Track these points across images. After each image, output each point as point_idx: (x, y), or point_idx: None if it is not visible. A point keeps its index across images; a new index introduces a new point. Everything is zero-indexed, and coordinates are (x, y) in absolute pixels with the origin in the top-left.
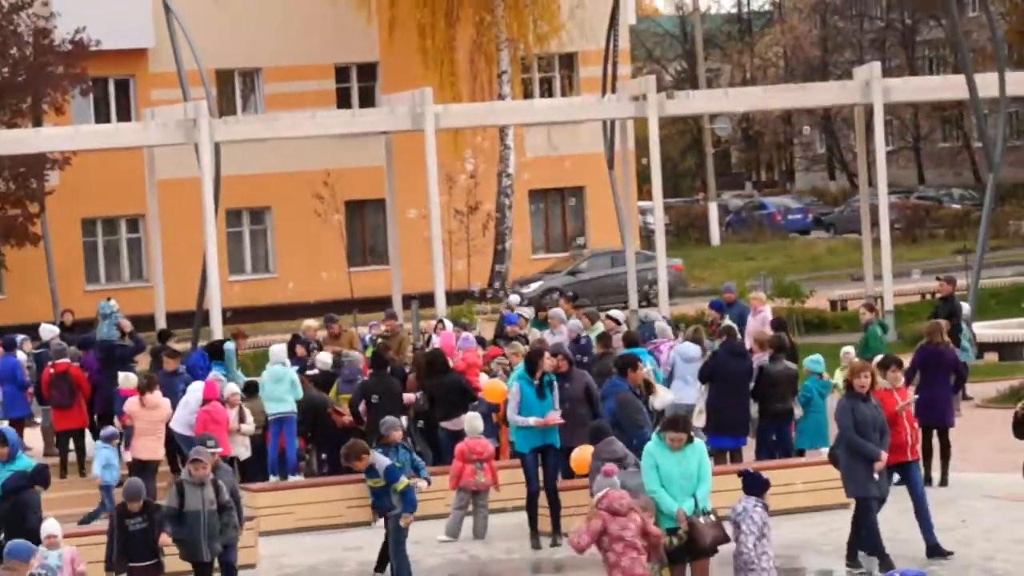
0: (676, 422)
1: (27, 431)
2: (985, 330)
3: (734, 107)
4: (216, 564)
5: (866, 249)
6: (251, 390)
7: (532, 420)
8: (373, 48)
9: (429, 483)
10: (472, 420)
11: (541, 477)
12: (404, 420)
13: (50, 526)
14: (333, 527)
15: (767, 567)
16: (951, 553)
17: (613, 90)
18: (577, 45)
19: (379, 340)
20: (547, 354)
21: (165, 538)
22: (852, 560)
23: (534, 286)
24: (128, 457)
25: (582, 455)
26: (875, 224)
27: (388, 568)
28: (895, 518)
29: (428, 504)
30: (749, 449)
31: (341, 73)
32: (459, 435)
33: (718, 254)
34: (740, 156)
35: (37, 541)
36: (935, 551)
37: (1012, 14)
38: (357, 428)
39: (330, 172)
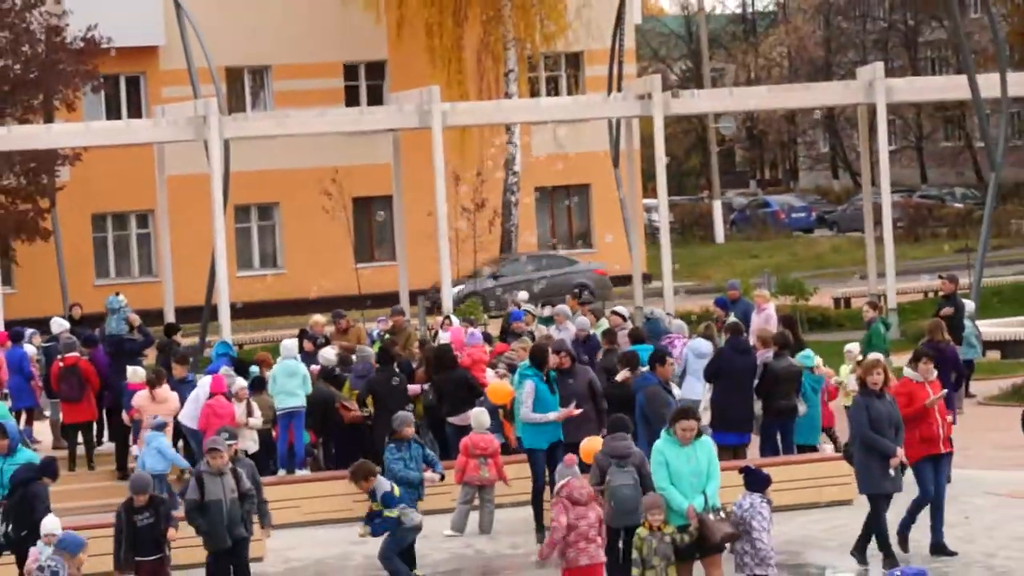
0: (687, 412)
1: (36, 424)
2: (987, 328)
3: (738, 106)
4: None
5: (869, 247)
6: (258, 385)
7: (552, 415)
8: (381, 47)
9: (443, 477)
10: (479, 415)
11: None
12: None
13: (50, 524)
14: (341, 521)
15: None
16: (955, 553)
17: (619, 89)
18: (583, 44)
19: (386, 336)
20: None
21: (173, 532)
22: (861, 555)
23: (456, 290)
24: (136, 451)
25: (591, 446)
26: (878, 223)
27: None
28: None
29: (434, 499)
30: (753, 446)
31: (349, 71)
32: (466, 430)
33: (722, 252)
34: (744, 155)
35: None
36: (940, 549)
37: (1014, 15)
38: (364, 423)
39: (338, 169)
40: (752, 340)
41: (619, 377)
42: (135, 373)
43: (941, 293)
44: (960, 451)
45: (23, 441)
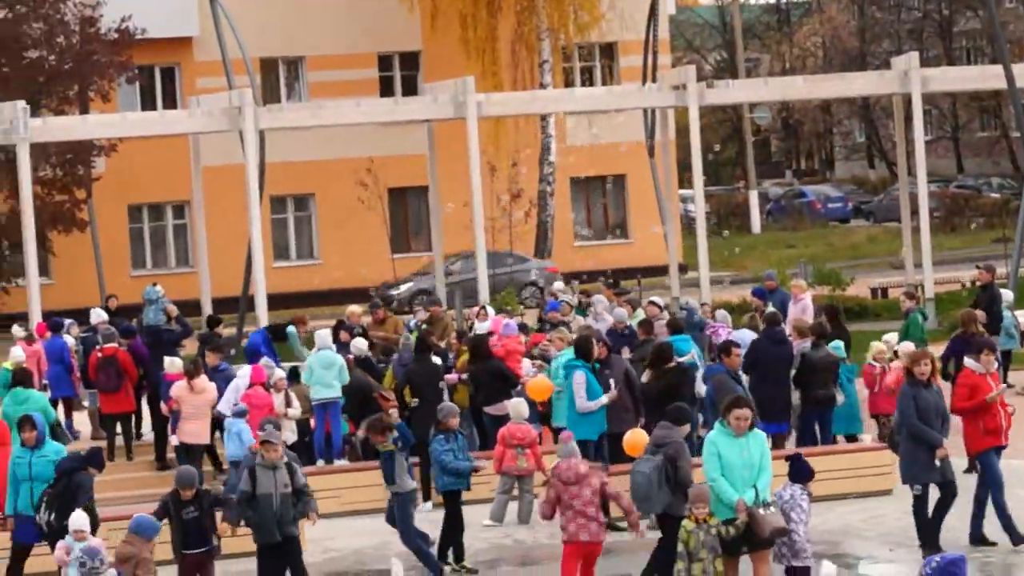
0: (740, 400)
1: (75, 415)
2: None
3: (773, 96)
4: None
5: (906, 237)
6: (294, 375)
7: (604, 398)
8: (415, 37)
9: (479, 470)
10: (517, 406)
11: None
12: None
13: (78, 520)
14: (379, 511)
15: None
16: (995, 543)
17: (653, 79)
18: (617, 35)
19: (423, 326)
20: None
21: (225, 526)
22: (933, 546)
23: (404, 287)
24: (175, 441)
25: (635, 438)
26: (915, 213)
27: (452, 555)
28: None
29: (473, 489)
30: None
31: (384, 62)
32: (502, 420)
33: (758, 242)
34: (780, 145)
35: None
36: (980, 539)
37: None
38: (401, 413)
39: (373, 159)
40: (788, 330)
41: (644, 378)
42: (172, 363)
43: (978, 283)
44: None
45: (60, 431)
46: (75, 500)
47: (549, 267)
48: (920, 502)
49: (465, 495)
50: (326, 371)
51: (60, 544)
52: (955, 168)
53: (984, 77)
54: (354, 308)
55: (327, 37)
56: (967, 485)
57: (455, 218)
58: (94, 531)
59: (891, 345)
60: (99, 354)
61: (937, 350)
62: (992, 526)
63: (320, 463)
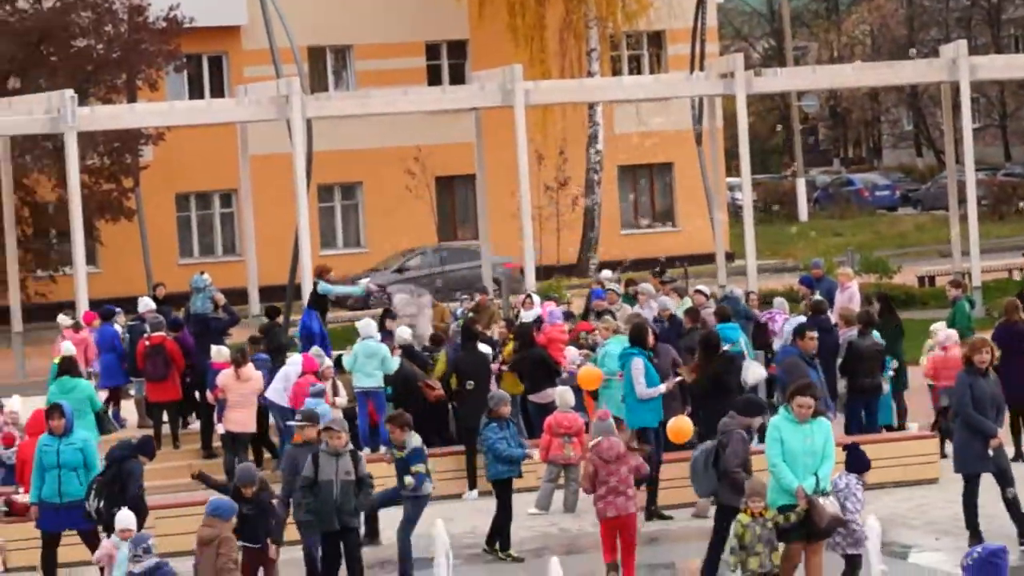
0: (804, 388)
1: (122, 403)
2: None
3: (821, 84)
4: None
5: (953, 226)
6: (338, 364)
7: (663, 386)
8: (463, 26)
9: (531, 457)
10: (563, 394)
11: None
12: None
13: (125, 519)
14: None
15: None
16: None
17: (701, 68)
18: (665, 23)
19: (469, 314)
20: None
21: (275, 551)
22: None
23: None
24: (221, 430)
25: (679, 425)
26: (962, 201)
27: (497, 544)
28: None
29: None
30: (838, 425)
31: (431, 50)
32: (546, 408)
33: (806, 230)
34: (828, 133)
35: (137, 509)
36: None
37: None
38: (447, 402)
39: (421, 148)
40: (835, 318)
41: (684, 376)
42: (219, 352)
43: None
44: None
45: (106, 419)
46: (125, 488)
47: (507, 262)
48: (970, 491)
49: (517, 483)
50: (368, 360)
51: (104, 543)
52: (1003, 156)
53: None
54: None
55: (375, 25)
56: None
57: (502, 207)
58: (143, 520)
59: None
60: (147, 343)
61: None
62: None
63: (366, 451)
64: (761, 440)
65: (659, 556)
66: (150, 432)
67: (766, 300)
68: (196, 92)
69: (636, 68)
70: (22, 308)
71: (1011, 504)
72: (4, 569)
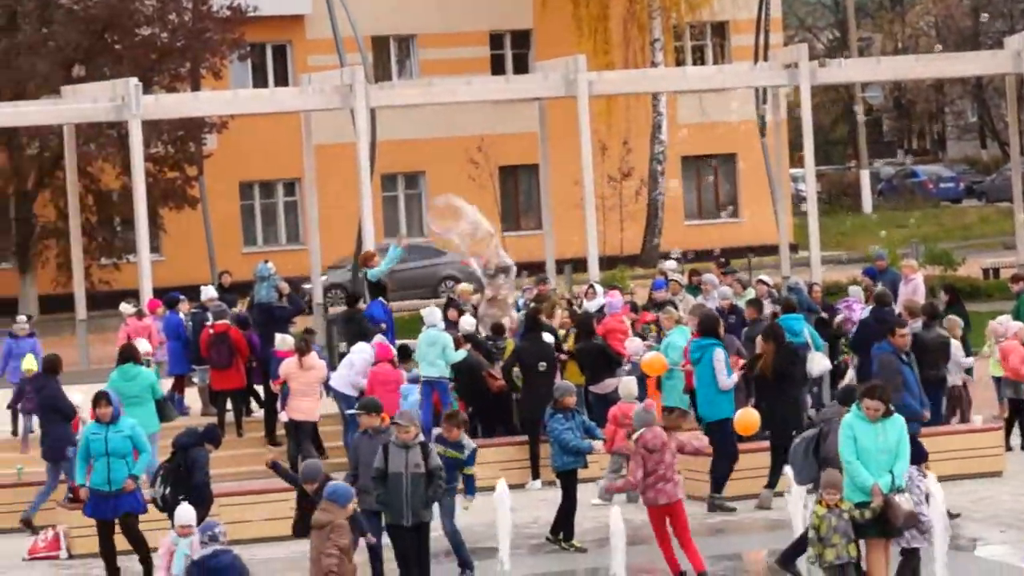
0: (873, 391)
1: (186, 391)
2: None
3: (886, 76)
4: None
5: (1018, 217)
6: (404, 354)
7: (736, 376)
8: (527, 15)
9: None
10: (628, 384)
11: None
12: None
13: (184, 515)
14: (490, 489)
15: None
16: None
17: (765, 58)
18: (729, 14)
19: (530, 304)
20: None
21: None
22: None
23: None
24: (284, 418)
25: (746, 417)
26: None
27: (561, 534)
28: None
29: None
30: None
31: (495, 40)
32: (607, 399)
33: (869, 222)
34: (892, 124)
35: (202, 496)
36: None
37: None
38: (510, 392)
39: (484, 138)
40: (899, 310)
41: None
42: (284, 341)
43: None
44: None
45: (168, 407)
46: (191, 475)
47: (464, 260)
48: None
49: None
50: (430, 348)
51: (163, 541)
52: None
53: None
54: (465, 286)
55: (438, 15)
56: None
57: (566, 197)
58: (208, 508)
59: (1006, 326)
60: (211, 331)
61: None
62: None
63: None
64: None
65: (724, 547)
66: (214, 420)
67: (829, 292)
68: (260, 81)
69: (700, 58)
70: (86, 296)
71: None
72: (68, 556)
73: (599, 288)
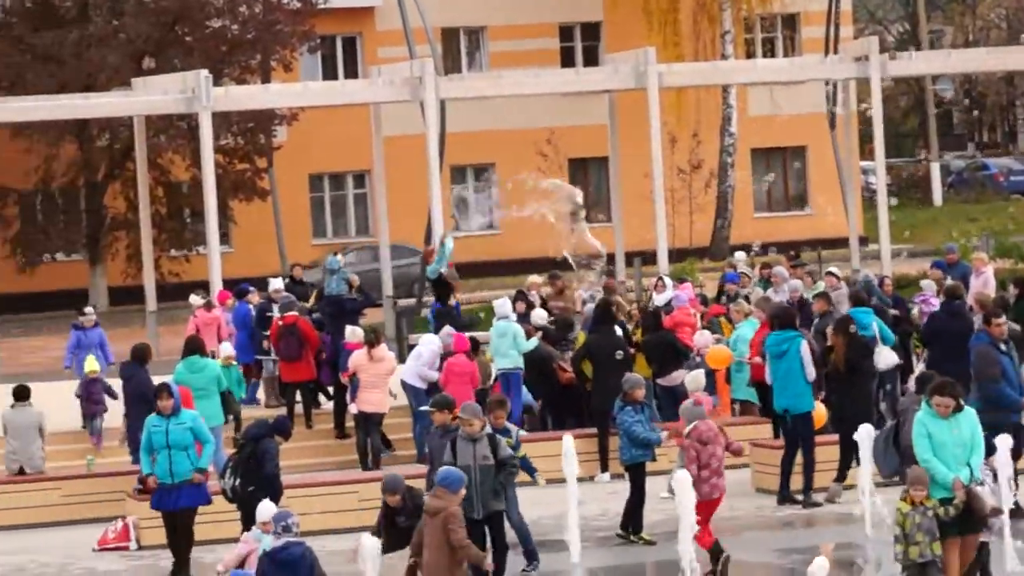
0: (943, 387)
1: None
2: None
3: (956, 68)
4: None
5: None
6: (474, 346)
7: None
8: (597, 8)
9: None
10: (696, 377)
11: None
12: None
13: (265, 511)
14: (559, 481)
15: None
16: None
17: (835, 50)
18: (800, 6)
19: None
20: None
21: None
22: None
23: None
24: (354, 410)
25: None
26: None
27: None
28: None
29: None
30: None
31: (565, 32)
32: (674, 391)
33: (940, 215)
34: (962, 117)
35: (272, 488)
36: None
37: None
38: (580, 384)
39: (553, 130)
40: (970, 303)
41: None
42: (354, 333)
43: None
44: None
45: (232, 399)
46: (261, 466)
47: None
48: None
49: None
50: (501, 340)
51: (245, 537)
52: None
53: None
54: (534, 278)
55: (508, 7)
56: None
57: (635, 189)
58: (277, 499)
59: None
60: (280, 322)
61: None
62: None
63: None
64: None
65: (793, 541)
66: (280, 411)
67: (899, 285)
68: (330, 73)
69: (770, 51)
70: (156, 287)
71: None
72: (138, 547)
73: (668, 281)
